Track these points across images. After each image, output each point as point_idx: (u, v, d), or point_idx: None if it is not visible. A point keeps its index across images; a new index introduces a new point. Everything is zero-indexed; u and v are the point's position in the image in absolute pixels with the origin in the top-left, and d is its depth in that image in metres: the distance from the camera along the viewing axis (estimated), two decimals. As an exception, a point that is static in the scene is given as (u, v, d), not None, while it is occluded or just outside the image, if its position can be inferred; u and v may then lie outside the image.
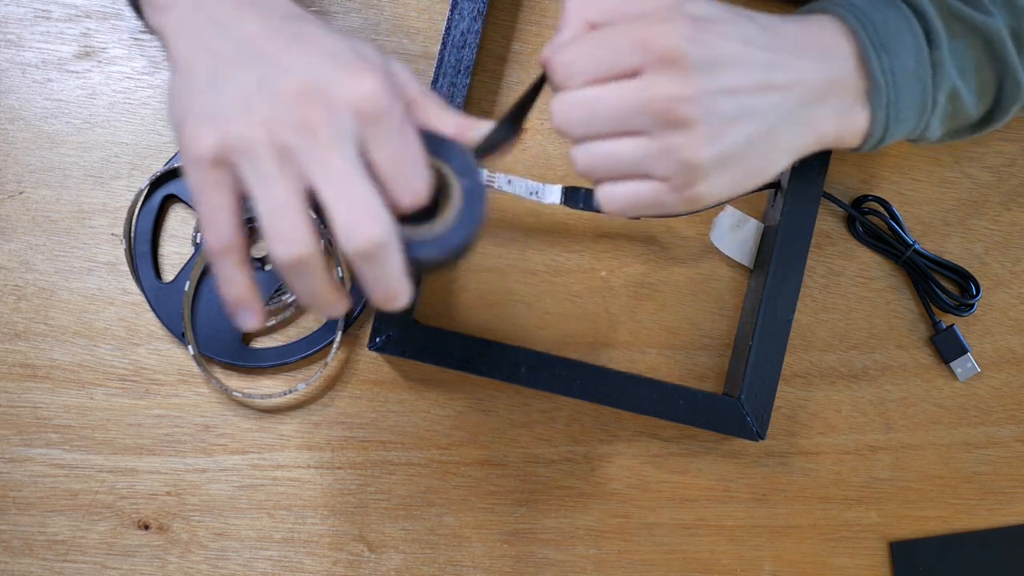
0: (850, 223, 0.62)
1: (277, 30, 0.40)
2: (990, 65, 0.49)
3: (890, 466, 0.62)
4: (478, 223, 0.41)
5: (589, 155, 0.43)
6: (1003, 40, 0.48)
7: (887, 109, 0.46)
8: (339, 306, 0.42)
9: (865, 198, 0.62)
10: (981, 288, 0.62)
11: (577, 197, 0.56)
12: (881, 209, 0.62)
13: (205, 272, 0.58)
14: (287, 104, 0.38)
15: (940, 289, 0.61)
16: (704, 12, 0.42)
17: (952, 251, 0.62)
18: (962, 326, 0.62)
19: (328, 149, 0.38)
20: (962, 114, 0.50)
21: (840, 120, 0.46)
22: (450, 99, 0.56)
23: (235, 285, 0.41)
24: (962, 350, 0.62)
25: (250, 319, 0.42)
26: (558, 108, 0.42)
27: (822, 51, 0.45)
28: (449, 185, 0.42)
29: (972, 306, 0.62)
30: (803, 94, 0.44)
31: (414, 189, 0.40)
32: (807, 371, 0.62)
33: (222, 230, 0.40)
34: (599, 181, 0.44)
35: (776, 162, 0.45)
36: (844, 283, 0.62)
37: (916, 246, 0.61)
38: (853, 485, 0.62)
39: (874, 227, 0.61)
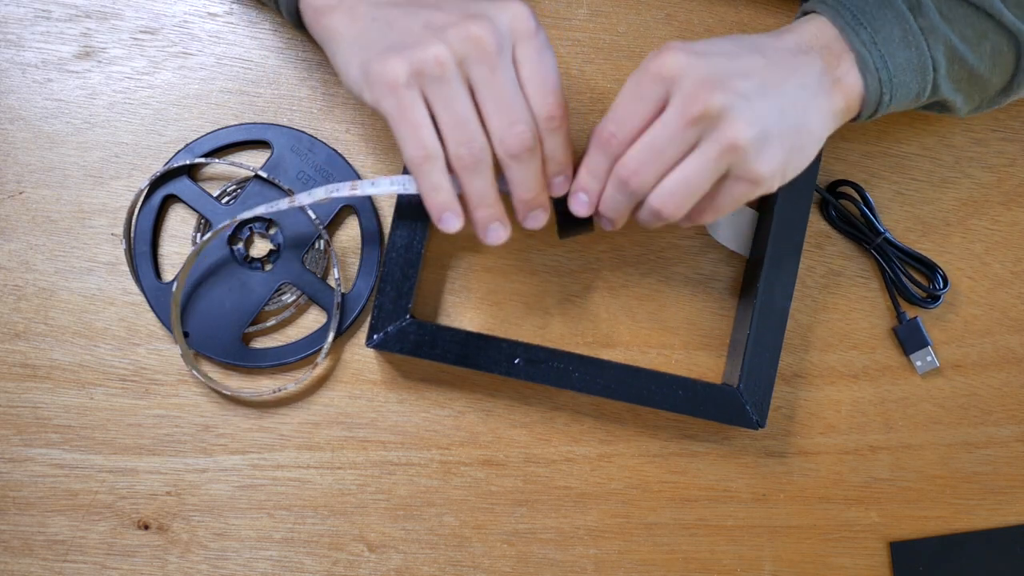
0: (824, 207, 0.62)
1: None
2: (996, 31, 0.51)
3: (890, 466, 0.62)
4: None
5: (668, 195, 0.47)
6: (1000, 10, 0.51)
7: (878, 74, 0.50)
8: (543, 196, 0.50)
9: (840, 182, 0.61)
10: (949, 282, 0.61)
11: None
12: (855, 195, 0.61)
13: (201, 271, 0.58)
14: (456, 26, 0.45)
15: (908, 279, 0.61)
16: (695, 47, 0.47)
17: (952, 251, 0.62)
18: (962, 325, 0.62)
19: (493, 62, 0.45)
20: (978, 79, 0.52)
21: (843, 87, 0.50)
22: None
23: (441, 191, 0.48)
24: (923, 343, 0.61)
25: (454, 222, 0.48)
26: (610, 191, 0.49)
27: (811, 38, 0.50)
28: None
29: (939, 298, 0.61)
30: (807, 72, 0.49)
31: (550, 103, 0.47)
32: (807, 371, 0.61)
33: (426, 140, 0.46)
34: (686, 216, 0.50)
35: (811, 133, 0.49)
36: (844, 283, 0.62)
37: (887, 234, 0.60)
38: (853, 485, 0.62)
39: (846, 212, 0.61)
